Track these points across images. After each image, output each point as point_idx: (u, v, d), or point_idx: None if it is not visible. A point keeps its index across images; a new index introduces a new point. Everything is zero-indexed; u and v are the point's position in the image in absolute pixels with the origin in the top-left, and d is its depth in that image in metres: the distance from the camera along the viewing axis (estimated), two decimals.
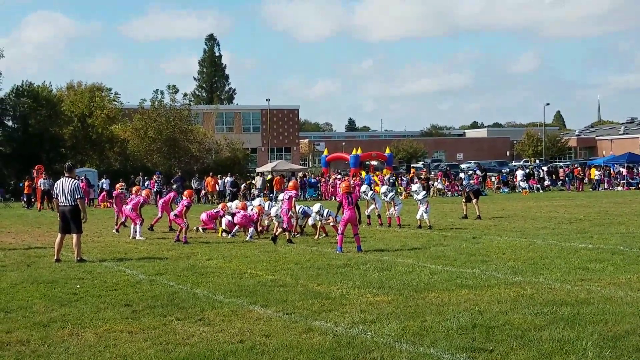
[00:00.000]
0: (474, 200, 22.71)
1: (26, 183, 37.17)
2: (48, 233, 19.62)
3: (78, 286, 10.51)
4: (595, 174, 48.03)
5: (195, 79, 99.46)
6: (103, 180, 41.79)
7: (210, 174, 42.21)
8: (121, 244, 16.75)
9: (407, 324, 7.71)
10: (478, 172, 47.83)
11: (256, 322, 7.96)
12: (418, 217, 19.47)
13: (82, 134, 55.44)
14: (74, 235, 13.58)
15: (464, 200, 23.50)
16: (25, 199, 36.94)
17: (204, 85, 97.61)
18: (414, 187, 21.74)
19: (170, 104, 54.61)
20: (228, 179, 40.83)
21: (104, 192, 39.03)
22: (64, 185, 13.69)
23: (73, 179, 13.93)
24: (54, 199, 14.31)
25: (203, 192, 40.74)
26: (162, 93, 55.25)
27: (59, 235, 13.70)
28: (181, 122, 53.67)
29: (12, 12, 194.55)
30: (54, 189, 14.26)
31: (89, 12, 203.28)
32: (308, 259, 13.19)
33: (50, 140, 52.45)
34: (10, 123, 55.20)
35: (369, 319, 8.01)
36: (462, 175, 43.18)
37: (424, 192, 20.94)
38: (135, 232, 18.12)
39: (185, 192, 18.68)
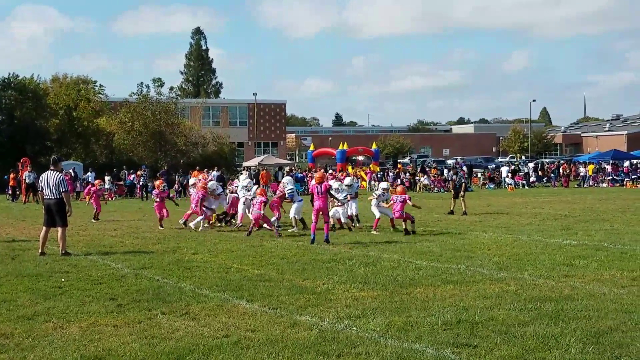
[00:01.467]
0: (461, 195, 22.80)
1: (11, 176, 36.94)
2: (32, 226, 19.51)
3: (63, 280, 10.47)
4: (591, 170, 48.08)
5: (181, 72, 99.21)
6: (89, 173, 41.65)
7: (197, 168, 42.06)
8: (106, 238, 16.69)
9: (392, 319, 7.73)
10: (464, 168, 48.03)
11: (242, 317, 7.96)
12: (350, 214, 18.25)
13: (68, 126, 55.14)
14: (59, 229, 13.52)
15: (453, 196, 23.56)
16: (10, 192, 36.71)
17: (191, 78, 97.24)
18: (347, 180, 19.58)
19: (156, 97, 54.37)
20: (214, 173, 40.70)
21: (90, 186, 38.87)
22: (49, 178, 13.58)
23: (58, 172, 13.86)
24: (39, 192, 14.12)
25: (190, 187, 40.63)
26: (147, 87, 55.03)
27: (44, 228, 13.62)
28: (167, 116, 53.45)
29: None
30: (39, 181, 14.11)
31: (79, 6, 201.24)
32: (294, 254, 13.18)
33: (35, 132, 52.10)
34: None
35: (355, 314, 8.03)
36: (446, 172, 43.21)
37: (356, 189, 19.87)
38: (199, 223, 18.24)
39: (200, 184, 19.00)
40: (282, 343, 6.80)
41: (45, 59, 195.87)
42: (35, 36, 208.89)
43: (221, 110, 73.27)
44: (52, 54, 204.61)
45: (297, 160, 78.79)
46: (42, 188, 13.77)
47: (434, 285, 9.82)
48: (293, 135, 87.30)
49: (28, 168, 35.81)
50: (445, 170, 39.28)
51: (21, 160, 38.11)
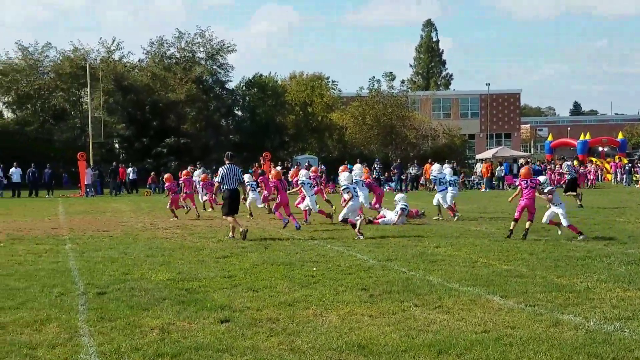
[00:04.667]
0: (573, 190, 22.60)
1: (255, 170, 39.45)
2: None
3: (314, 269, 10.84)
4: None
5: (411, 65, 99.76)
6: (322, 166, 43.52)
7: (429, 160, 42.07)
8: (348, 229, 17.08)
9: None
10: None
11: (497, 313, 7.68)
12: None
13: (303, 122, 57.94)
14: (234, 217, 15.16)
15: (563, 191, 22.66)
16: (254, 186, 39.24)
17: (420, 71, 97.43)
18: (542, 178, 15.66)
19: (388, 91, 55.19)
20: (446, 165, 40.40)
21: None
22: (231, 171, 15.12)
23: (236, 166, 15.41)
24: (218, 183, 15.56)
25: (422, 178, 40.84)
26: (378, 81, 56.02)
27: (231, 216, 15.15)
28: (398, 109, 54.04)
29: (245, 7, 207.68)
30: (221, 175, 15.35)
31: (312, 2, 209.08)
32: (542, 250, 12.57)
33: (275, 128, 55.38)
34: (239, 113, 59.08)
35: (624, 315, 7.40)
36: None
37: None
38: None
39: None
40: (548, 342, 6.43)
41: (278, 56, 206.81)
42: (270, 34, 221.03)
43: (452, 102, 72.55)
44: (287, 51, 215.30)
45: (532, 152, 75.87)
46: (224, 180, 15.07)
47: None
48: (527, 125, 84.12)
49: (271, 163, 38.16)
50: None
51: (263, 155, 40.63)
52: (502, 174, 42.20)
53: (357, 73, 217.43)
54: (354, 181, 18.54)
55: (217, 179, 15.81)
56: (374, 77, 56.79)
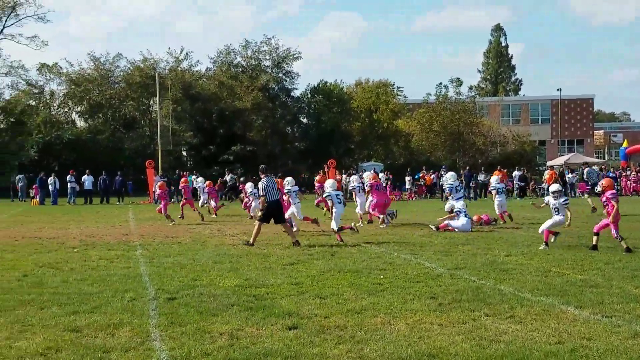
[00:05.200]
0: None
1: (318, 177, 39.56)
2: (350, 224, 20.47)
3: (382, 277, 10.74)
4: None
5: (479, 71, 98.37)
6: (388, 174, 43.27)
7: (499, 167, 41.36)
8: (415, 237, 16.94)
9: None
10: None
11: (572, 324, 7.45)
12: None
13: (369, 129, 57.84)
14: (283, 225, 15.93)
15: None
16: (317, 192, 39.35)
17: (489, 77, 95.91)
18: (553, 187, 15.01)
19: (455, 97, 54.60)
20: (516, 172, 39.72)
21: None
22: (270, 182, 15.61)
23: (272, 178, 15.98)
24: (262, 197, 15.80)
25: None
26: (445, 87, 55.49)
27: (259, 224, 15.51)
28: (466, 115, 53.36)
29: (311, 15, 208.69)
30: (264, 189, 15.63)
31: (381, 9, 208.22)
32: (619, 259, 12.16)
33: (340, 135, 55.45)
34: (305, 120, 59.39)
35: None
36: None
37: (565, 198, 14.82)
38: None
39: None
40: (626, 354, 6.20)
41: (343, 64, 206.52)
42: (335, 42, 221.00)
43: (521, 108, 71.09)
44: (352, 57, 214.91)
45: (607, 159, 73.74)
46: (265, 192, 15.46)
47: None
48: (601, 131, 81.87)
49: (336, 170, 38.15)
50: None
51: (328, 162, 40.68)
52: (574, 181, 41.10)
53: (423, 78, 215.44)
54: (351, 188, 19.90)
55: (260, 193, 16.13)
56: (441, 83, 56.01)
